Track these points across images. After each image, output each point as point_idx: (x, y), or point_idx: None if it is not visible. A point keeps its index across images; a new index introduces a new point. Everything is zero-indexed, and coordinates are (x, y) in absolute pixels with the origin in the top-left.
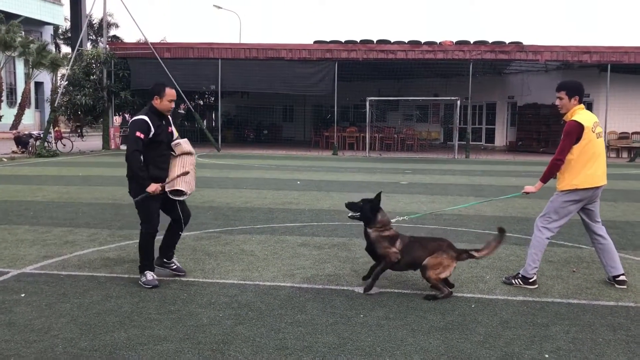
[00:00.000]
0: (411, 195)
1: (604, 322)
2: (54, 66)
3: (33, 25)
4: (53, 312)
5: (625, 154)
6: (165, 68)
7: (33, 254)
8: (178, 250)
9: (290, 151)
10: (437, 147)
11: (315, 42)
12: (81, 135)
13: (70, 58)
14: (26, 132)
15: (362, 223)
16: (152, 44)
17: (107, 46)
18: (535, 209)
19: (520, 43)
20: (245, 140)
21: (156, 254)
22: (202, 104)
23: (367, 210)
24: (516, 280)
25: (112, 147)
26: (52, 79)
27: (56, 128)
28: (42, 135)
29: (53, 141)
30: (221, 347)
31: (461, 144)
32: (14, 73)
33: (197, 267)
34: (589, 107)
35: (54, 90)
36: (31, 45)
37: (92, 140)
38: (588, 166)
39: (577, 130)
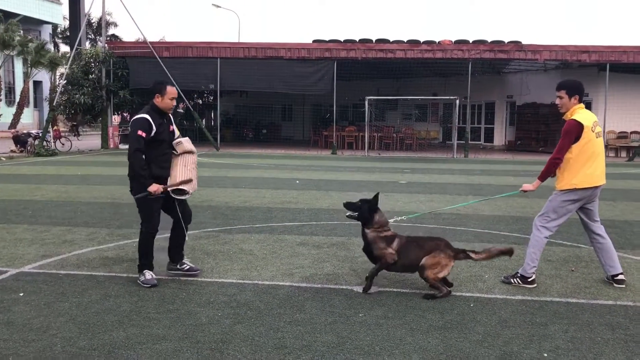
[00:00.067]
0: (410, 194)
1: (603, 321)
2: (52, 65)
3: (32, 24)
4: (52, 311)
5: (624, 154)
6: (164, 67)
7: (32, 253)
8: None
9: (289, 150)
10: (436, 147)
11: (314, 41)
12: (77, 134)
13: (69, 57)
14: (25, 131)
15: (360, 223)
16: (151, 43)
17: (106, 45)
18: (534, 208)
19: (519, 42)
20: (244, 140)
21: (160, 257)
22: (201, 103)
23: (365, 211)
24: (515, 280)
25: (111, 146)
26: (51, 78)
27: (55, 127)
28: (40, 135)
29: (52, 140)
30: (220, 346)
31: (460, 144)
32: (13, 72)
33: (199, 265)
34: (588, 106)
35: (53, 90)
36: (30, 44)
37: (91, 140)
38: (587, 166)
39: (577, 130)
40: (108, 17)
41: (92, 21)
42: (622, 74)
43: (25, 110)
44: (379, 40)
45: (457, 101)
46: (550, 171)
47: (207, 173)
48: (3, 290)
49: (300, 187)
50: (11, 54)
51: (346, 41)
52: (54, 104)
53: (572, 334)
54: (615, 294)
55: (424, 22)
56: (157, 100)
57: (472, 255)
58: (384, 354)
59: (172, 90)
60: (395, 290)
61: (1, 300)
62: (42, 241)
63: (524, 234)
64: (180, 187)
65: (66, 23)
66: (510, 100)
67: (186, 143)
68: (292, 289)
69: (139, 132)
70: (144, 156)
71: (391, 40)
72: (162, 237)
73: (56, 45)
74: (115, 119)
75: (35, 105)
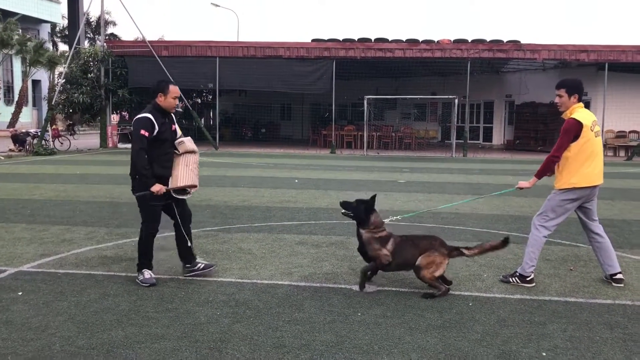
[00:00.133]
0: (409, 193)
1: (601, 320)
2: (51, 64)
3: (30, 23)
4: (50, 311)
5: (622, 153)
6: (163, 66)
7: (30, 252)
8: (175, 249)
9: (288, 149)
10: (435, 146)
11: (313, 40)
12: (73, 133)
13: (68, 56)
14: (23, 131)
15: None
16: (149, 42)
17: (105, 44)
18: (533, 208)
19: (518, 42)
20: (243, 139)
21: (159, 256)
22: (199, 102)
23: (361, 211)
24: (513, 279)
25: (110, 145)
26: (50, 77)
27: (53, 126)
28: (39, 134)
29: (50, 139)
30: (219, 346)
31: (459, 143)
32: (11, 71)
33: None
34: (587, 105)
35: (52, 89)
36: (28, 43)
37: (90, 139)
38: (586, 165)
39: (576, 128)
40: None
41: (91, 20)
42: (621, 74)
43: (24, 109)
44: (377, 40)
45: (456, 100)
46: (547, 169)
47: (205, 172)
48: (2, 290)
49: (299, 186)
50: (10, 52)
51: (345, 40)
52: (53, 103)
53: (571, 333)
54: (613, 293)
55: (423, 22)
56: (160, 100)
57: (465, 251)
58: (382, 353)
59: (174, 90)
60: (394, 289)
61: (0, 299)
62: (41, 240)
63: (523, 233)
64: (181, 186)
65: (65, 22)
66: (509, 100)
67: (188, 143)
68: (291, 288)
69: (142, 132)
70: (146, 155)
71: (390, 40)
72: (161, 237)
73: (55, 44)
74: (114, 118)
75: (34, 105)
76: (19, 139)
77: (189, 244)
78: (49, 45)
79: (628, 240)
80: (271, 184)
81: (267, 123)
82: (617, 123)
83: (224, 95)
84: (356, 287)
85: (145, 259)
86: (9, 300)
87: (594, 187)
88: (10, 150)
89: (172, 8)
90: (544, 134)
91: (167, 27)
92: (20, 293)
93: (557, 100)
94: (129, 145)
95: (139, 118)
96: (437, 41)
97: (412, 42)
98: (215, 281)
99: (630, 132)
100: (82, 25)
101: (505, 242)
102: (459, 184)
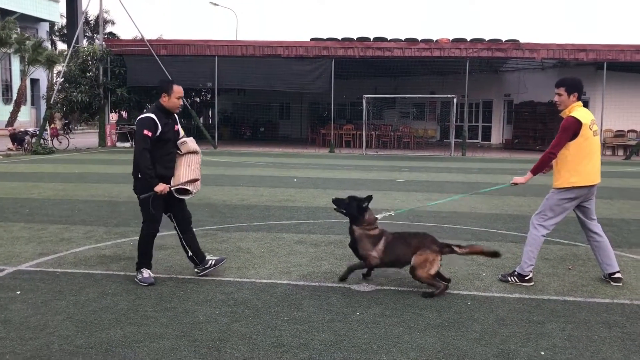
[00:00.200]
0: (407, 192)
1: (600, 320)
2: (49, 63)
3: (29, 21)
4: (49, 310)
5: (621, 152)
6: (162, 65)
7: (29, 252)
8: (174, 247)
9: (286, 149)
10: (434, 145)
11: (312, 39)
12: (69, 132)
13: (66, 55)
14: (22, 129)
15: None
16: (148, 40)
17: (104, 43)
18: (531, 207)
19: (517, 41)
20: (241, 138)
21: (158, 255)
22: (198, 101)
23: (354, 209)
24: (512, 278)
25: (109, 144)
26: (48, 76)
27: (52, 125)
28: (38, 133)
29: (49, 138)
30: (217, 345)
31: (457, 142)
32: (10, 70)
33: (193, 265)
34: (585, 104)
35: (50, 87)
36: (27, 42)
37: (88, 138)
38: (584, 164)
39: (575, 127)
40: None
41: (90, 19)
42: (620, 73)
43: (23, 108)
44: (376, 39)
45: (455, 99)
46: (543, 165)
47: (204, 171)
48: (0, 289)
49: (298, 186)
50: (8, 51)
51: (344, 39)
52: (52, 102)
53: (569, 332)
54: (612, 292)
55: (422, 21)
56: (164, 100)
57: (457, 249)
58: (381, 352)
59: (178, 90)
60: (392, 288)
61: None
62: (39, 239)
63: (521, 232)
64: (184, 186)
65: (63, 21)
66: (507, 99)
67: (191, 143)
68: (290, 287)
69: (145, 132)
70: (149, 155)
71: (389, 39)
72: (160, 236)
73: (53, 43)
74: (113, 116)
75: (33, 103)
76: (17, 138)
77: (189, 254)
78: (48, 44)
79: (627, 239)
80: (270, 183)
81: (265, 122)
82: (616, 122)
83: (222, 94)
84: (355, 287)
85: (145, 258)
86: (8, 300)
87: (592, 186)
88: (9, 149)
89: (171, 7)
90: (542, 133)
91: (166, 26)
92: (18, 292)
93: (556, 98)
94: (128, 144)
95: (142, 118)
96: (436, 40)
97: (411, 41)
98: (214, 280)
99: (628, 131)
100: (80, 24)
101: (495, 254)
102: (458, 183)
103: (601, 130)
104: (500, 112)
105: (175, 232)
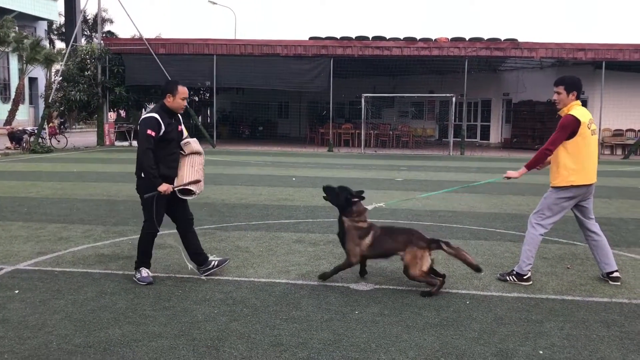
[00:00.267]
0: (406, 191)
1: (598, 319)
2: (48, 62)
3: (27, 20)
4: (47, 309)
5: (619, 151)
6: (160, 64)
7: (27, 250)
8: (173, 247)
9: (285, 148)
10: (432, 144)
11: (311, 38)
12: (64, 131)
13: (65, 54)
14: (20, 128)
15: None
16: (147, 39)
17: (102, 42)
18: (530, 206)
19: (515, 40)
20: (240, 137)
21: (157, 254)
22: (197, 100)
23: (342, 201)
24: (510, 277)
25: (107, 143)
26: (46, 75)
27: (50, 124)
28: (36, 131)
29: (47, 137)
30: (216, 344)
31: (456, 141)
32: (8, 69)
33: (191, 264)
34: (584, 104)
35: (48, 86)
36: (25, 40)
37: (87, 136)
38: (583, 163)
39: (574, 125)
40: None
41: (88, 18)
42: (618, 72)
43: (21, 107)
44: (375, 38)
45: (454, 99)
46: (538, 161)
47: None
48: None
49: (297, 185)
50: (6, 50)
51: (342, 38)
52: (50, 100)
53: (568, 331)
54: (610, 292)
55: (421, 21)
56: (169, 101)
57: (444, 246)
58: (380, 351)
59: (183, 91)
60: (391, 287)
61: None
62: (38, 238)
63: (520, 231)
64: (187, 187)
65: (62, 19)
66: (506, 98)
67: (194, 144)
68: (289, 287)
69: (149, 131)
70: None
71: (388, 38)
72: (159, 234)
73: (52, 42)
74: (111, 115)
75: (31, 102)
76: (15, 137)
77: (190, 267)
78: (46, 43)
79: (625, 238)
80: (268, 182)
81: (264, 121)
82: (614, 121)
83: (221, 93)
84: (353, 286)
85: (144, 257)
86: (6, 299)
87: (590, 185)
88: (7, 148)
89: (170, 6)
90: (541, 132)
91: (165, 25)
92: (16, 291)
93: (555, 97)
94: (126, 143)
95: (145, 118)
96: (435, 39)
97: (410, 40)
98: (213, 279)
99: (627, 130)
100: (79, 23)
101: (478, 269)
102: (457, 182)
103: (600, 129)
104: (499, 111)
105: (177, 230)
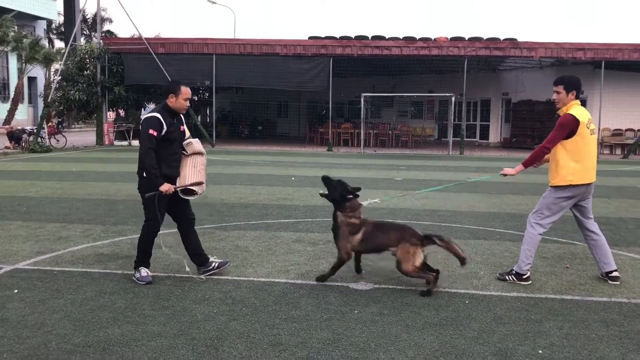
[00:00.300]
0: (405, 191)
1: (597, 318)
2: (47, 61)
3: (26, 19)
4: (46, 308)
5: (618, 151)
6: (160, 63)
7: (26, 250)
8: (172, 246)
9: (284, 147)
10: (432, 144)
11: (310, 37)
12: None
13: (64, 53)
14: (19, 128)
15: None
16: (146, 39)
17: (101, 41)
18: (529, 205)
19: (515, 40)
20: (239, 136)
21: (156, 253)
22: (196, 99)
23: (337, 195)
24: (510, 277)
25: (106, 142)
26: (46, 74)
27: (49, 123)
28: (35, 131)
29: (46, 136)
30: (215, 343)
31: (455, 141)
32: (7, 68)
33: (190, 263)
34: (583, 103)
35: (48, 86)
36: (24, 40)
37: (86, 136)
38: (581, 162)
39: (573, 124)
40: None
41: (87, 17)
42: (617, 72)
43: (20, 106)
44: (375, 37)
45: (453, 98)
46: (535, 159)
47: None
48: None
49: (296, 184)
50: (5, 49)
51: (342, 38)
52: (49, 100)
53: (567, 331)
54: (609, 291)
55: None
56: (171, 101)
57: (437, 241)
58: (379, 351)
59: (186, 91)
60: (390, 287)
61: None
62: (37, 238)
63: (519, 231)
64: (189, 187)
65: (61, 19)
66: (505, 98)
67: (196, 144)
68: (288, 286)
69: (150, 131)
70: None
71: (387, 37)
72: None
73: (51, 41)
74: (110, 115)
75: (30, 102)
76: (14, 136)
77: (187, 269)
78: (45, 42)
79: (624, 238)
80: (268, 182)
81: (263, 120)
82: (614, 121)
83: (220, 93)
84: (353, 285)
85: (144, 257)
86: (5, 298)
87: (589, 184)
88: (6, 147)
89: (169, 5)
90: (540, 131)
91: (164, 25)
92: (16, 291)
93: (554, 96)
94: (125, 143)
95: (147, 118)
96: (434, 39)
97: (409, 39)
98: (212, 279)
99: (626, 130)
100: (78, 22)
101: (463, 260)
102: (456, 181)
103: (599, 129)
104: (498, 111)
105: (178, 229)
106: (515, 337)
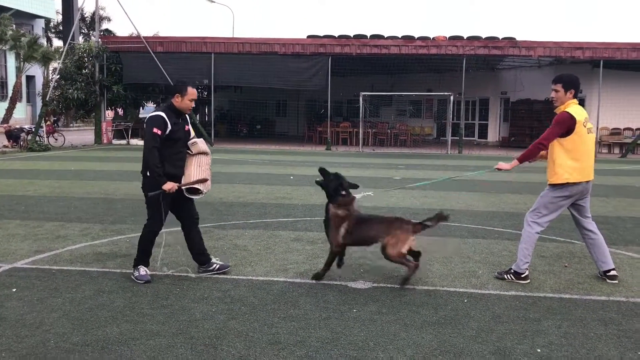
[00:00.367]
0: (405, 190)
1: (596, 317)
2: (45, 60)
3: (24, 18)
4: (45, 307)
5: (617, 150)
6: (158, 62)
7: (24, 249)
8: (171, 245)
9: (283, 146)
10: (430, 143)
11: (309, 36)
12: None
13: (62, 52)
14: (17, 126)
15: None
16: (144, 37)
17: (99, 40)
18: (528, 204)
19: (514, 39)
20: (238, 135)
21: (155, 252)
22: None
23: (332, 189)
24: (508, 276)
25: (105, 141)
26: (44, 73)
27: (48, 122)
28: (33, 130)
29: (45, 135)
30: (214, 342)
31: (454, 140)
32: (5, 66)
33: (189, 262)
34: (582, 102)
35: (46, 84)
36: (22, 38)
37: (84, 135)
38: (579, 160)
39: (569, 123)
40: (101, 12)
41: (86, 16)
42: (616, 71)
43: (18, 105)
44: (373, 36)
45: (451, 97)
46: (530, 155)
47: None
48: None
49: (295, 183)
50: (3, 48)
51: (340, 37)
52: (47, 99)
53: (566, 330)
54: (608, 290)
55: (419, 19)
56: (177, 101)
57: (428, 223)
58: (377, 350)
59: (192, 92)
60: (389, 286)
61: None
62: (35, 237)
63: (517, 230)
64: (194, 186)
65: (59, 17)
66: (504, 97)
67: (201, 144)
68: (287, 285)
69: (155, 130)
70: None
71: (386, 36)
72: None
73: (49, 40)
74: (109, 114)
75: (28, 100)
76: (13, 135)
77: (193, 254)
78: (43, 41)
79: (622, 237)
80: (266, 181)
81: (262, 119)
82: (612, 120)
83: (219, 92)
84: (351, 284)
85: (143, 255)
86: (3, 297)
87: (587, 183)
88: (5, 146)
89: (168, 4)
90: (538, 130)
91: (162, 23)
92: (14, 290)
93: (552, 95)
94: (124, 142)
95: (152, 117)
96: (433, 38)
97: (408, 38)
98: (211, 278)
99: (624, 129)
100: (76, 21)
101: (444, 217)
102: (455, 180)
103: (597, 128)
104: (497, 110)
105: (182, 229)
106: (513, 335)
